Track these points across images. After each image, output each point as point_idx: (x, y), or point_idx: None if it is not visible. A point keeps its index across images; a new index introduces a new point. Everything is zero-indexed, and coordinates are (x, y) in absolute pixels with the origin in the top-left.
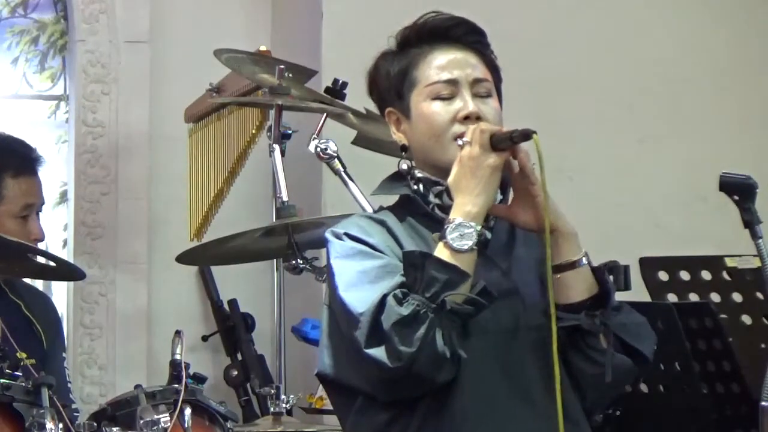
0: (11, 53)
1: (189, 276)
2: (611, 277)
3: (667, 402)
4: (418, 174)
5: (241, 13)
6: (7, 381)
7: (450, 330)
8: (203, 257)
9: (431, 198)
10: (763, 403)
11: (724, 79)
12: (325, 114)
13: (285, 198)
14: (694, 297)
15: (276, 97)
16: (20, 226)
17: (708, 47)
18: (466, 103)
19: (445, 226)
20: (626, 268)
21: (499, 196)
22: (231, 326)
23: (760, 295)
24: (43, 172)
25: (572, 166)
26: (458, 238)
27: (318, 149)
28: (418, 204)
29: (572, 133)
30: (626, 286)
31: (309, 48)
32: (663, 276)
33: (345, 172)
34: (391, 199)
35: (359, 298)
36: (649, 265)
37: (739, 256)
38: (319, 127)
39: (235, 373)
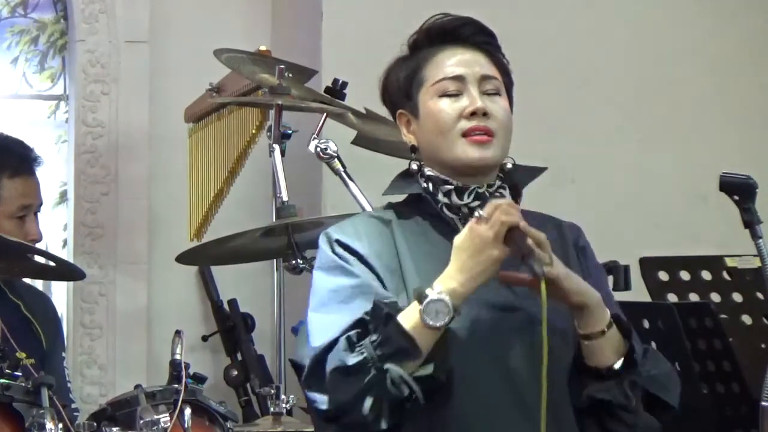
0: (11, 53)
1: (189, 276)
2: (633, 332)
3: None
4: (428, 172)
5: (241, 13)
6: (7, 381)
7: (383, 397)
8: (203, 257)
9: (440, 197)
10: (763, 403)
11: (724, 79)
12: (325, 114)
13: (285, 198)
14: (694, 297)
15: (276, 97)
16: (17, 226)
17: (708, 47)
18: (473, 99)
19: (427, 293)
20: (626, 268)
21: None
22: (231, 326)
23: (760, 295)
24: (42, 172)
25: (572, 166)
26: (433, 313)
27: (318, 149)
28: (429, 204)
29: (572, 133)
30: (626, 286)
31: (309, 48)
32: (663, 276)
33: (345, 172)
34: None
35: (322, 324)
36: (649, 265)
37: (739, 256)
38: (319, 127)
39: (235, 373)
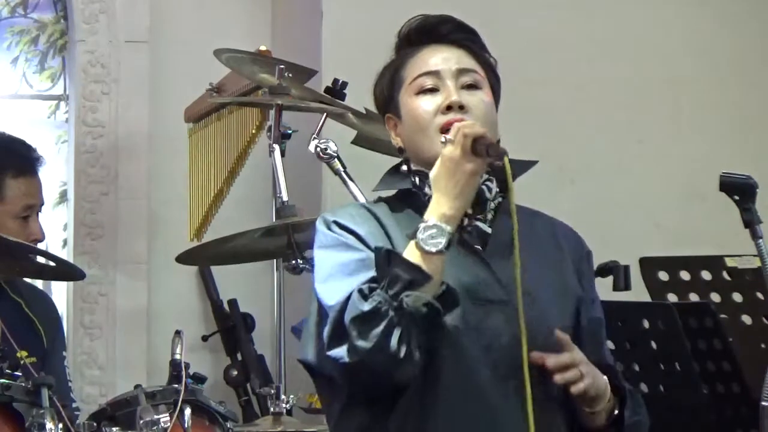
0: (11, 53)
1: (189, 276)
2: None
3: (667, 402)
4: (414, 167)
5: (241, 13)
6: (7, 381)
7: (408, 330)
8: (203, 257)
9: (427, 190)
10: (763, 403)
11: (724, 79)
12: (325, 114)
13: (285, 198)
14: (694, 297)
15: (276, 97)
16: (21, 226)
17: (708, 47)
18: (449, 93)
19: (419, 226)
20: (626, 268)
21: (498, 198)
22: (231, 326)
23: (760, 295)
24: (42, 172)
25: (572, 166)
26: (429, 239)
27: (318, 149)
28: (418, 197)
29: (572, 134)
30: (626, 286)
31: (309, 48)
32: (663, 276)
33: (345, 172)
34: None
35: (333, 290)
36: (649, 265)
37: (739, 256)
38: (319, 127)
39: (235, 373)
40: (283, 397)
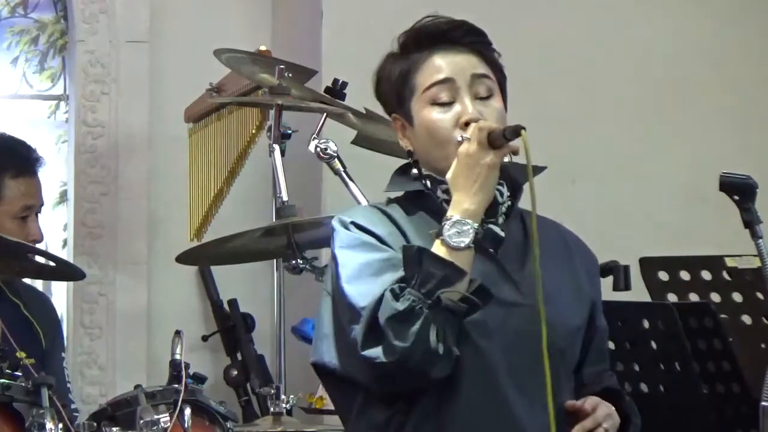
0: (11, 53)
1: (189, 276)
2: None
3: (667, 402)
4: (425, 171)
5: (241, 13)
6: (7, 381)
7: (445, 326)
8: (203, 257)
9: (439, 194)
10: (763, 403)
11: (724, 78)
12: (325, 114)
13: (285, 198)
14: (694, 297)
15: (276, 97)
16: (19, 227)
17: (708, 47)
18: (465, 108)
19: (443, 224)
20: (626, 268)
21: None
22: (231, 326)
23: (760, 295)
24: (42, 173)
25: (572, 166)
26: (455, 235)
27: (318, 149)
28: (431, 199)
29: (573, 134)
30: (626, 286)
31: (309, 48)
32: (663, 276)
33: (345, 172)
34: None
35: (361, 291)
36: (649, 265)
37: (739, 256)
38: (319, 127)
39: (235, 373)
40: (283, 397)
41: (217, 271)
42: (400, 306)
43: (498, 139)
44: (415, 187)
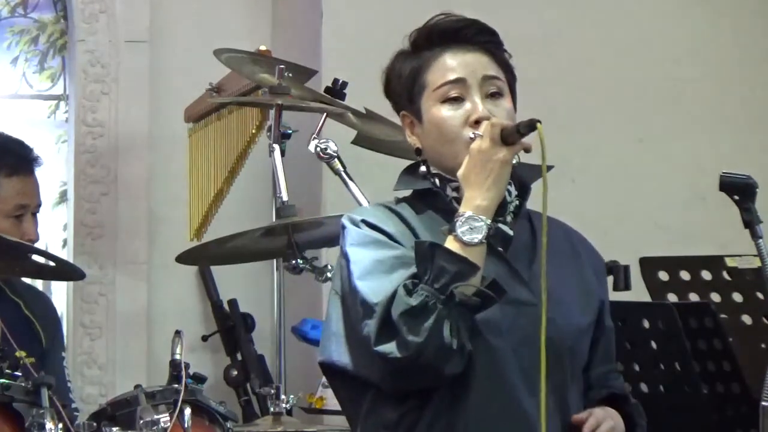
0: (11, 53)
1: (189, 276)
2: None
3: (667, 402)
4: (434, 170)
5: (241, 13)
6: (7, 381)
7: (458, 322)
8: (203, 257)
9: (449, 192)
10: (763, 403)
11: (725, 78)
12: (325, 114)
13: (285, 198)
14: (694, 297)
15: (276, 96)
16: (14, 226)
17: (708, 47)
18: (475, 106)
19: (455, 220)
20: (626, 268)
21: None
22: (231, 326)
23: (760, 295)
24: (42, 172)
25: (572, 166)
26: (468, 231)
27: (318, 149)
28: (440, 198)
29: (573, 133)
30: (626, 286)
31: (309, 48)
32: (663, 276)
33: (345, 172)
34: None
35: (374, 287)
36: (649, 265)
37: (739, 256)
38: (319, 127)
39: (235, 373)
40: (283, 397)
41: (217, 271)
42: (414, 301)
43: (511, 135)
44: (424, 186)
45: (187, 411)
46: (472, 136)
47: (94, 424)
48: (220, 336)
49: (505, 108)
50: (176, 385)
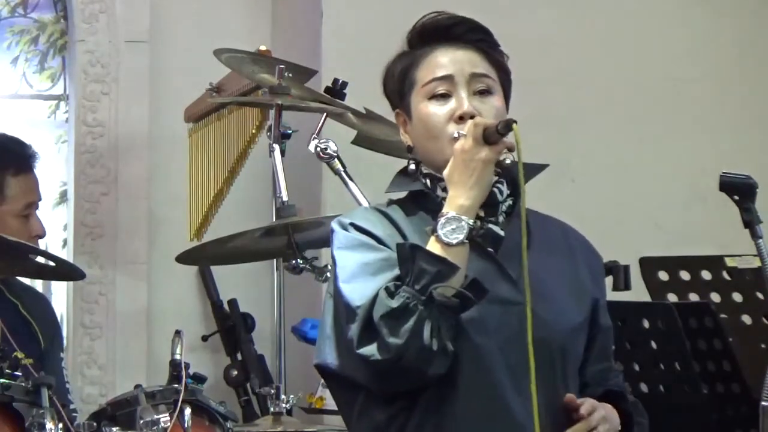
0: (11, 53)
1: (189, 276)
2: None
3: (667, 402)
4: (425, 170)
5: (241, 13)
6: (7, 381)
7: (439, 323)
8: (203, 257)
9: (439, 192)
10: (763, 403)
11: (724, 78)
12: (325, 114)
13: (285, 198)
14: (694, 297)
15: (276, 96)
16: (23, 224)
17: (708, 47)
18: (461, 102)
19: (437, 220)
20: (626, 268)
21: (509, 201)
22: (231, 326)
23: (760, 295)
24: (42, 172)
25: (573, 165)
26: (450, 232)
27: (318, 149)
28: (430, 199)
29: (572, 133)
30: (626, 286)
31: (309, 48)
32: (663, 276)
33: (345, 171)
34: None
35: (358, 290)
36: (649, 265)
37: (739, 256)
38: (319, 127)
39: (235, 373)
40: (283, 397)
41: (217, 271)
42: (394, 303)
43: (492, 135)
44: (416, 187)
45: (187, 411)
46: (456, 135)
47: (94, 424)
48: (220, 336)
49: (493, 106)
50: (176, 385)
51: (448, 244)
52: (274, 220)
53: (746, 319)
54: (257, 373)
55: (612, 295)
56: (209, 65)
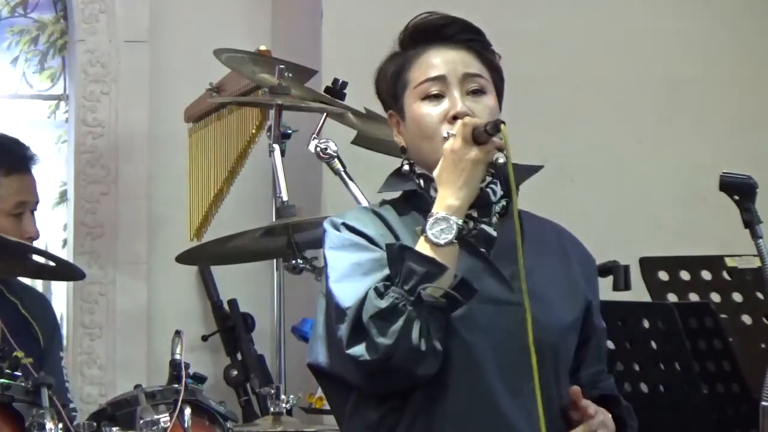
0: (11, 53)
1: (189, 276)
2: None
3: (667, 402)
4: (419, 170)
5: (241, 13)
6: (7, 381)
7: (428, 323)
8: (203, 257)
9: (432, 193)
10: (763, 403)
11: (724, 78)
12: (325, 114)
13: (285, 198)
14: (694, 297)
15: (276, 96)
16: (14, 224)
17: (708, 47)
18: (454, 102)
19: (427, 220)
20: (626, 268)
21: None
22: (231, 326)
23: (760, 295)
24: (42, 172)
25: (572, 166)
26: (439, 232)
27: (318, 149)
28: (423, 199)
29: (572, 133)
30: (626, 286)
31: (309, 48)
32: (663, 276)
33: (345, 171)
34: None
35: (348, 291)
36: (649, 265)
37: (739, 256)
38: (319, 127)
39: (235, 373)
40: (283, 397)
41: (217, 271)
42: (383, 304)
43: (481, 135)
44: (409, 187)
45: (187, 411)
46: (446, 135)
47: (94, 424)
48: (220, 336)
49: (487, 105)
50: (176, 385)
51: (437, 245)
52: (274, 220)
53: (746, 319)
54: (257, 373)
55: (612, 295)
56: (209, 65)
